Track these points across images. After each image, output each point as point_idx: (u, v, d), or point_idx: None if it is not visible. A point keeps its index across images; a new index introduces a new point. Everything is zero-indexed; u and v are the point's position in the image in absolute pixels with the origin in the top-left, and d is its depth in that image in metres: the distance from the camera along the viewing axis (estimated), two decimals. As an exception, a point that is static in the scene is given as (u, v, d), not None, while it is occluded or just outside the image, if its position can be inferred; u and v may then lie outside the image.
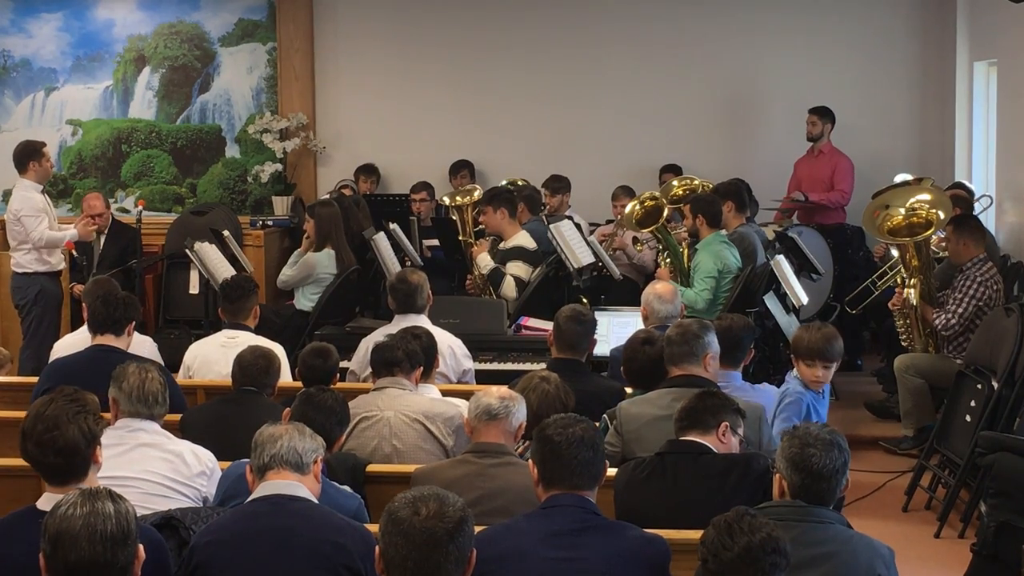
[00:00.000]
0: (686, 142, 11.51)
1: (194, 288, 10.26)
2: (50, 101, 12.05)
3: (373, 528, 3.67)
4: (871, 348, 10.66)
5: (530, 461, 4.01)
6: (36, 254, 8.92)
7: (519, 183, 10.63)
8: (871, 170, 10.84)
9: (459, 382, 6.74)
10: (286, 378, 6.21)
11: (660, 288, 6.75)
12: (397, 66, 11.83)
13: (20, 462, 5.04)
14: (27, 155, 8.93)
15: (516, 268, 8.72)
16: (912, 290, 7.87)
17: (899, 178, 9.76)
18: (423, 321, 6.68)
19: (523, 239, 8.84)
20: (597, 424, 4.14)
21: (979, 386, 7.01)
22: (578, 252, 8.40)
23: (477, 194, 9.84)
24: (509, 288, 8.65)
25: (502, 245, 8.93)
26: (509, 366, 7.57)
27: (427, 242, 10.28)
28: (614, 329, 7.57)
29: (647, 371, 5.54)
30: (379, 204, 10.76)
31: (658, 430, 4.91)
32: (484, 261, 8.85)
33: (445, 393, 5.97)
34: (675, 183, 10.11)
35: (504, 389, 4.70)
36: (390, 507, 3.23)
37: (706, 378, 5.29)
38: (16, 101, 12.06)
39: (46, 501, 3.75)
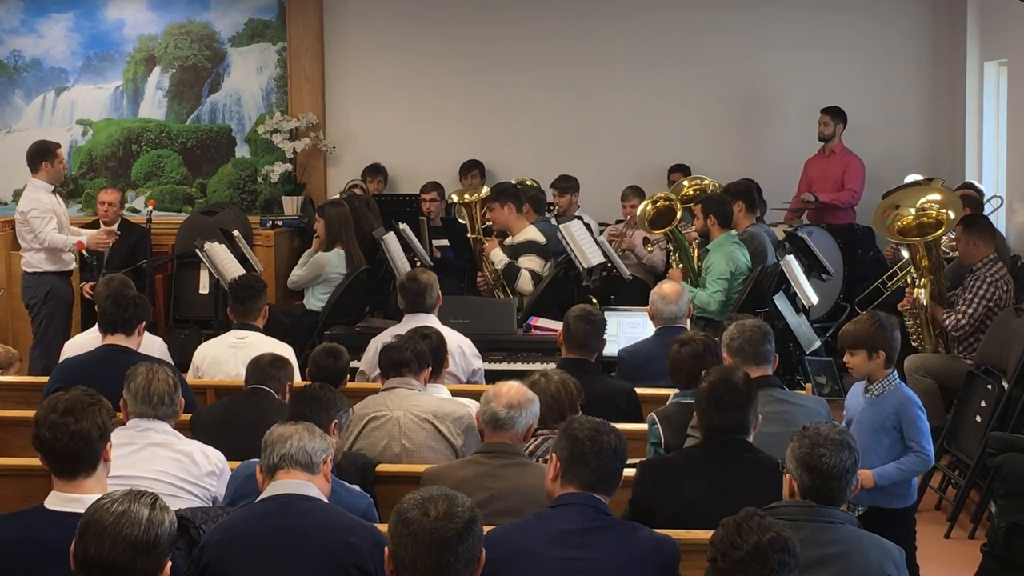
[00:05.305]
0: (695, 142, 11.51)
1: (204, 288, 10.26)
2: (60, 101, 12.08)
3: (383, 528, 3.68)
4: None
5: (552, 455, 3.98)
6: (46, 253, 8.93)
7: (528, 183, 10.63)
8: (881, 170, 10.84)
9: (469, 382, 6.74)
10: (295, 378, 6.21)
11: (666, 288, 6.75)
12: (407, 66, 11.84)
13: (30, 461, 5.06)
14: (40, 155, 8.94)
15: (529, 262, 8.74)
16: (922, 290, 7.86)
17: (909, 178, 9.75)
18: (432, 321, 6.68)
19: (532, 233, 8.86)
20: (616, 425, 4.11)
21: (989, 387, 7.00)
22: (588, 252, 8.40)
23: (484, 191, 9.86)
24: (525, 282, 8.67)
25: (510, 240, 8.95)
26: (519, 366, 7.58)
27: (437, 242, 10.29)
28: (624, 329, 7.58)
29: (685, 369, 5.47)
30: (389, 204, 10.76)
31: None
32: (498, 257, 8.87)
33: (455, 393, 5.97)
34: (685, 183, 10.12)
35: (513, 392, 4.64)
36: (399, 507, 3.24)
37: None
38: (27, 101, 12.09)
39: (54, 500, 3.76)
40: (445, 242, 10.33)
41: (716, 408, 4.49)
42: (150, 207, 10.31)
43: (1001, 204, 9.77)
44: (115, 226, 10.25)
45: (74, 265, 9.27)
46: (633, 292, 9.10)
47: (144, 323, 6.22)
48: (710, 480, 4.42)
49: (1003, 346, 7.05)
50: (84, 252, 9.49)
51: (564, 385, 5.01)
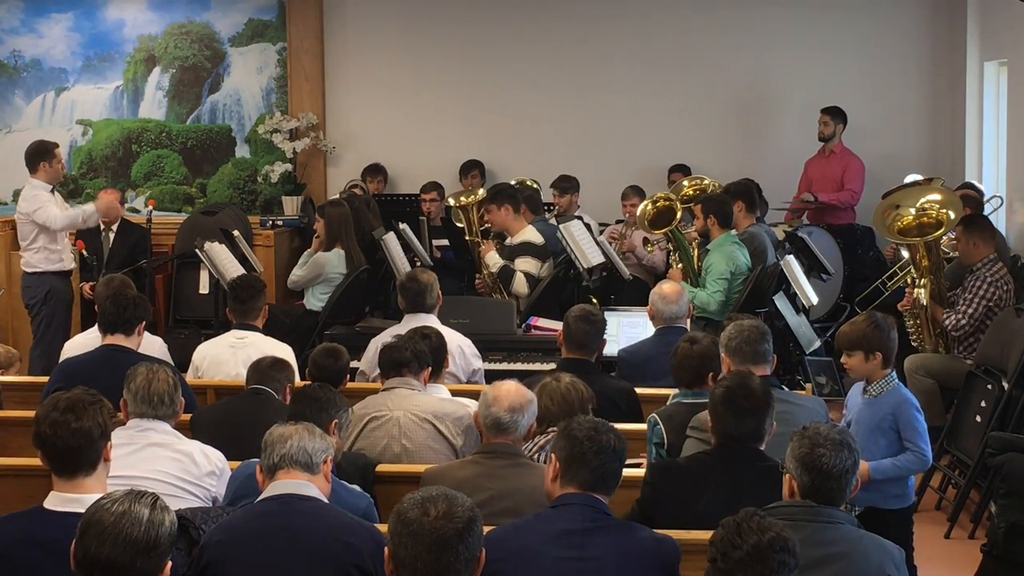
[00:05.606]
0: (695, 142, 11.51)
1: (204, 288, 10.26)
2: (60, 101, 12.08)
3: (383, 528, 3.68)
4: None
5: (552, 456, 3.98)
6: (46, 253, 8.92)
7: (528, 183, 10.63)
8: (881, 170, 10.84)
9: (469, 382, 6.74)
10: (296, 380, 6.21)
11: (666, 288, 6.75)
12: (407, 66, 11.84)
13: (30, 461, 5.06)
14: (38, 155, 8.95)
15: (525, 264, 8.73)
16: (922, 290, 7.86)
17: (909, 178, 9.75)
18: (432, 321, 6.68)
19: (529, 234, 8.85)
20: (615, 425, 4.11)
21: (989, 387, 7.00)
22: (588, 252, 8.40)
23: (481, 192, 9.86)
24: (520, 284, 8.66)
25: (508, 241, 8.94)
26: (519, 366, 7.57)
27: (437, 242, 10.29)
28: (624, 329, 7.58)
29: (694, 368, 5.46)
30: (389, 204, 10.77)
31: None
32: (493, 259, 8.86)
33: (455, 393, 5.97)
34: (685, 183, 10.12)
35: (513, 394, 4.62)
36: (399, 507, 3.24)
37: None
38: (27, 101, 12.09)
39: (53, 500, 3.76)
40: (445, 242, 10.34)
41: (733, 414, 4.45)
42: (150, 207, 10.29)
43: (1001, 204, 9.77)
44: (115, 226, 10.26)
45: (74, 265, 9.28)
46: (633, 292, 9.10)
47: (144, 323, 6.22)
48: (722, 487, 4.40)
49: (1003, 346, 7.05)
50: (83, 252, 9.50)
51: (574, 386, 5.00)
